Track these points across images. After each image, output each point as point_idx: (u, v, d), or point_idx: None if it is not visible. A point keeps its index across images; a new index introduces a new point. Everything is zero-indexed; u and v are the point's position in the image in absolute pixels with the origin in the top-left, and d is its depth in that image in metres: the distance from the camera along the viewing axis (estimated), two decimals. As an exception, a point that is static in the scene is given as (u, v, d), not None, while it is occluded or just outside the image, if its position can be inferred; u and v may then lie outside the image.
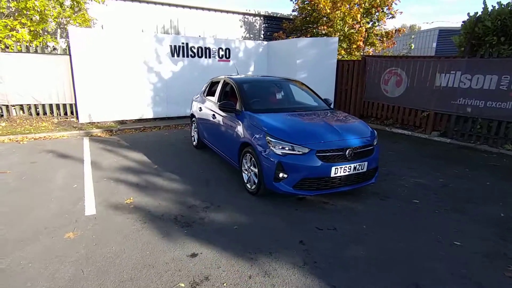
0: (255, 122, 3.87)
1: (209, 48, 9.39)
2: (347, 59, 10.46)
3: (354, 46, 10.55)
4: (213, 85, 5.75)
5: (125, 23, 10.53)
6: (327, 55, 9.21)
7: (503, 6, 6.04)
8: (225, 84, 5.11)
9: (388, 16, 11.07)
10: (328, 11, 10.12)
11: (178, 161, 5.35)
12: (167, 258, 2.65)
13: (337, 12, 10.07)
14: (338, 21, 10.17)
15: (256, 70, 10.28)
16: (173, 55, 8.84)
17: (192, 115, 6.25)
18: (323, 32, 11.00)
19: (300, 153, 3.36)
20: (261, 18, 13.08)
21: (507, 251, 2.85)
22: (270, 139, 3.48)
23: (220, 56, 9.66)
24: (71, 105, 8.21)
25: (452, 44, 8.17)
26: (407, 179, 4.64)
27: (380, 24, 11.04)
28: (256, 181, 3.75)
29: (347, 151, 3.49)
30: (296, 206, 3.66)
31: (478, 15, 6.45)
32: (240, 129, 4.08)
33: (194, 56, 9.22)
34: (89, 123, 8.00)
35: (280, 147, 3.42)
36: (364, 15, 10.75)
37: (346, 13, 10.11)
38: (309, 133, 3.61)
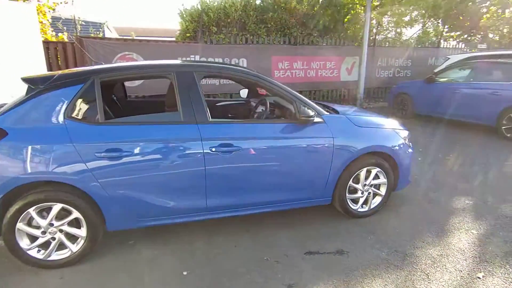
0: (367, 124, 3.04)
1: None
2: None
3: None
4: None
5: None
6: (25, 31, 5.99)
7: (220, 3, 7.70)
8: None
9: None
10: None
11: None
12: None
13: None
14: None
15: None
16: None
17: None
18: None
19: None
20: None
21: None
22: (406, 136, 3.24)
23: None
24: None
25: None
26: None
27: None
28: (382, 195, 3.14)
29: None
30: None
31: (202, 7, 7.65)
32: (337, 141, 2.78)
33: None
34: None
35: (410, 142, 3.31)
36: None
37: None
38: None
